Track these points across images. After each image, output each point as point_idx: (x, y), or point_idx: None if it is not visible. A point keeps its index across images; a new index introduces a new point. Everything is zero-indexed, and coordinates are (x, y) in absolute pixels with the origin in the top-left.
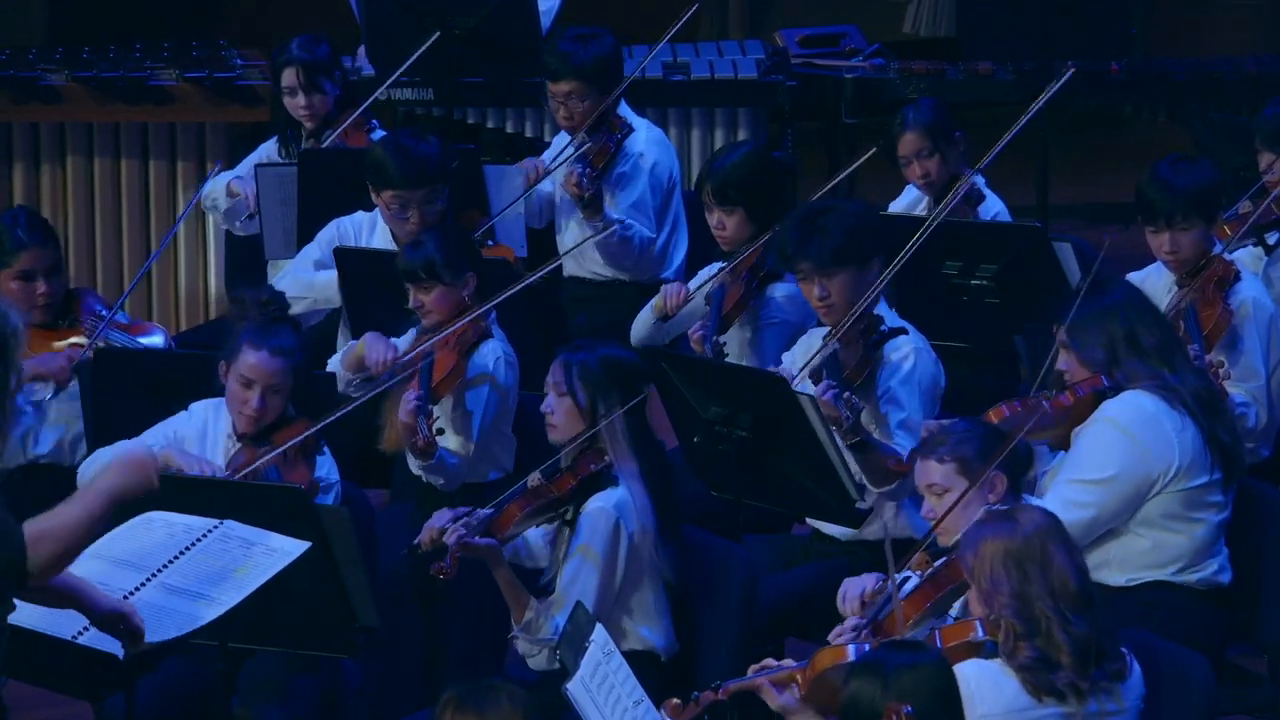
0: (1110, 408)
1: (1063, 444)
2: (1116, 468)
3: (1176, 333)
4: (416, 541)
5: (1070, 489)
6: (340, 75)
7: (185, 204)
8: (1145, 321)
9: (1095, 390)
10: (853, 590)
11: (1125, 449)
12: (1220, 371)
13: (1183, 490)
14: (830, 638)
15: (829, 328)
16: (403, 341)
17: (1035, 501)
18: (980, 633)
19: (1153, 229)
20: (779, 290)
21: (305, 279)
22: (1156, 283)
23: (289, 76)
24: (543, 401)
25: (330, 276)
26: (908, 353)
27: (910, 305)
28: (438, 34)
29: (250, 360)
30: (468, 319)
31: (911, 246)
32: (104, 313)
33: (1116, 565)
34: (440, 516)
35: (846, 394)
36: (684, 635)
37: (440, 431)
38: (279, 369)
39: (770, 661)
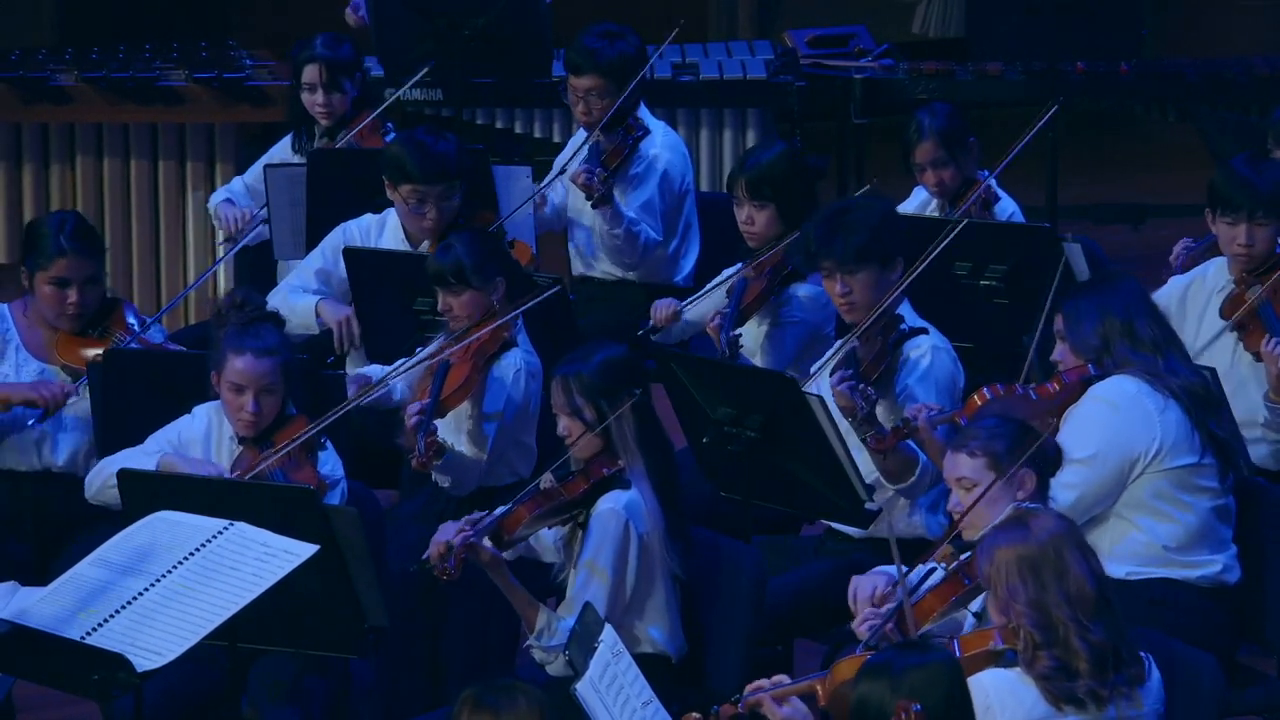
0: (1094, 390)
1: (1054, 432)
2: (1097, 445)
3: (1176, 332)
4: (425, 555)
5: (1059, 471)
6: (360, 77)
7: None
8: (1145, 315)
9: (1082, 378)
10: (863, 590)
11: (1106, 426)
12: None
13: (1169, 470)
14: (854, 625)
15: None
16: (430, 348)
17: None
18: (999, 641)
19: (1229, 221)
20: (801, 290)
21: (289, 301)
22: (1206, 283)
23: (310, 73)
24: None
25: (308, 303)
26: (925, 350)
27: (919, 305)
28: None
29: (237, 365)
30: (487, 330)
31: (933, 251)
32: (136, 328)
33: (1113, 557)
34: (446, 530)
35: (862, 385)
36: (693, 636)
37: (440, 450)
38: (267, 369)
39: (783, 677)
